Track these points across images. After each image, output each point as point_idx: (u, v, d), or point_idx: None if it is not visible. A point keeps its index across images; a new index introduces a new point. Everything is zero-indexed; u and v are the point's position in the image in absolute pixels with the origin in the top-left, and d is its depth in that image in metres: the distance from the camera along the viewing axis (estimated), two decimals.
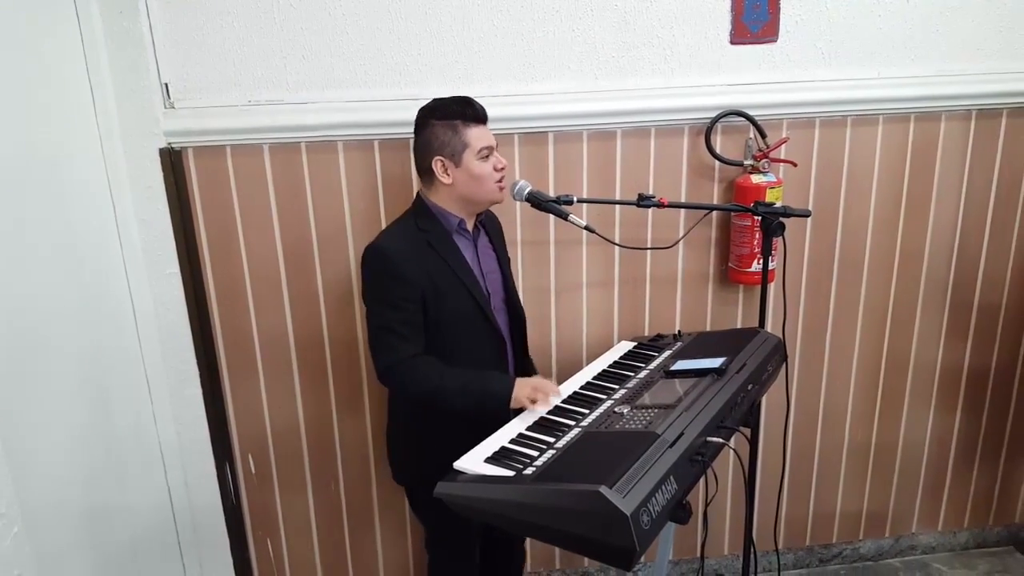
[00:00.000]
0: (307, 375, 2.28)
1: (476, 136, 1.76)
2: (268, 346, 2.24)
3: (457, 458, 1.54)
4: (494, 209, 1.99)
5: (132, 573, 2.08)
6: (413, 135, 1.83)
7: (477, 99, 1.82)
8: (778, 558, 2.59)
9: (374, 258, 1.75)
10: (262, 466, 2.34)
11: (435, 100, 1.81)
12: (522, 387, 1.73)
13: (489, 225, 1.97)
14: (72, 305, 1.85)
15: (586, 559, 2.59)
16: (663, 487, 1.34)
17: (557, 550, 2.56)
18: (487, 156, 1.77)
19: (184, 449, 2.23)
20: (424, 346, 1.77)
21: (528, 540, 2.30)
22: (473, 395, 1.73)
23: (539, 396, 1.71)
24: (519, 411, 1.73)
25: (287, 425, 2.31)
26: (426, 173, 1.81)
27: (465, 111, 1.76)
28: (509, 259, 2.11)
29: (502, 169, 1.80)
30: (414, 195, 2.13)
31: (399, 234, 1.81)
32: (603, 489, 1.25)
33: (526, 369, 2.01)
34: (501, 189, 1.82)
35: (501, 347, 1.90)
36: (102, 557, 1.92)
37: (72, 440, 1.83)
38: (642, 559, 2.63)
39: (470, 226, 1.87)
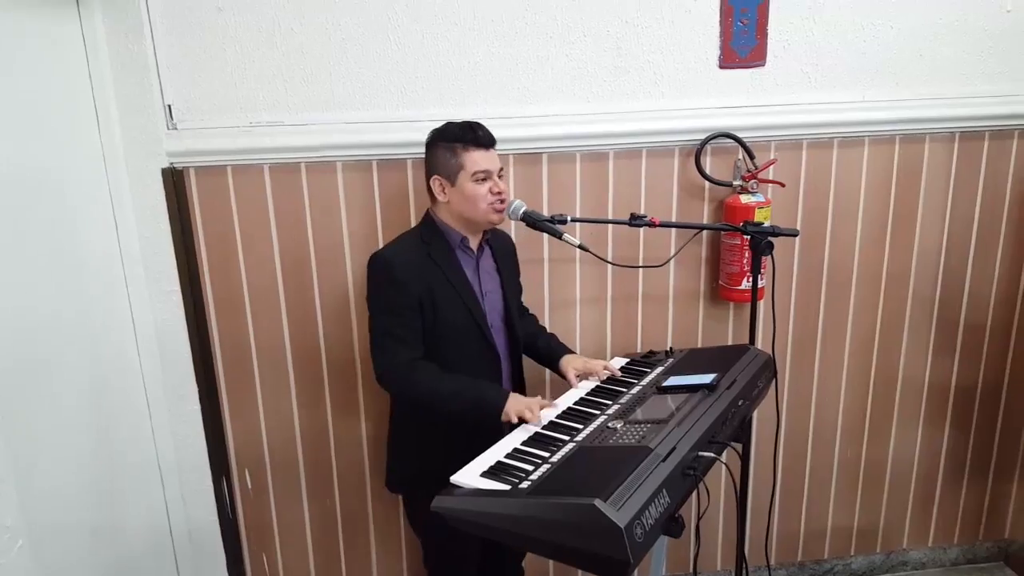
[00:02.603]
0: (304, 392, 2.31)
1: (473, 159, 1.82)
2: (266, 363, 2.26)
3: (455, 466, 1.57)
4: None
5: None
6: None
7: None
8: (770, 573, 2.61)
9: (377, 265, 1.83)
10: (258, 481, 2.36)
11: (446, 123, 1.88)
12: (516, 403, 1.76)
13: (497, 247, 2.02)
14: (74, 321, 1.87)
15: (579, 574, 2.61)
16: (656, 500, 1.37)
17: (551, 566, 2.58)
18: (483, 179, 1.83)
19: (182, 464, 2.25)
20: (424, 353, 1.83)
21: (525, 558, 2.31)
22: (467, 401, 1.78)
23: (527, 416, 1.73)
24: (511, 424, 1.76)
25: (284, 440, 2.33)
26: (429, 190, 1.90)
27: (466, 135, 1.83)
28: (520, 287, 2.15)
29: (498, 193, 1.85)
30: (412, 215, 2.19)
31: (403, 245, 1.89)
32: (597, 502, 1.28)
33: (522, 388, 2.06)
34: (497, 211, 1.86)
35: (496, 364, 1.95)
36: (101, 570, 1.93)
37: (73, 455, 1.85)
38: (635, 574, 2.64)
39: (473, 244, 1.92)
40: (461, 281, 1.87)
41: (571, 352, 2.10)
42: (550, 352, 2.10)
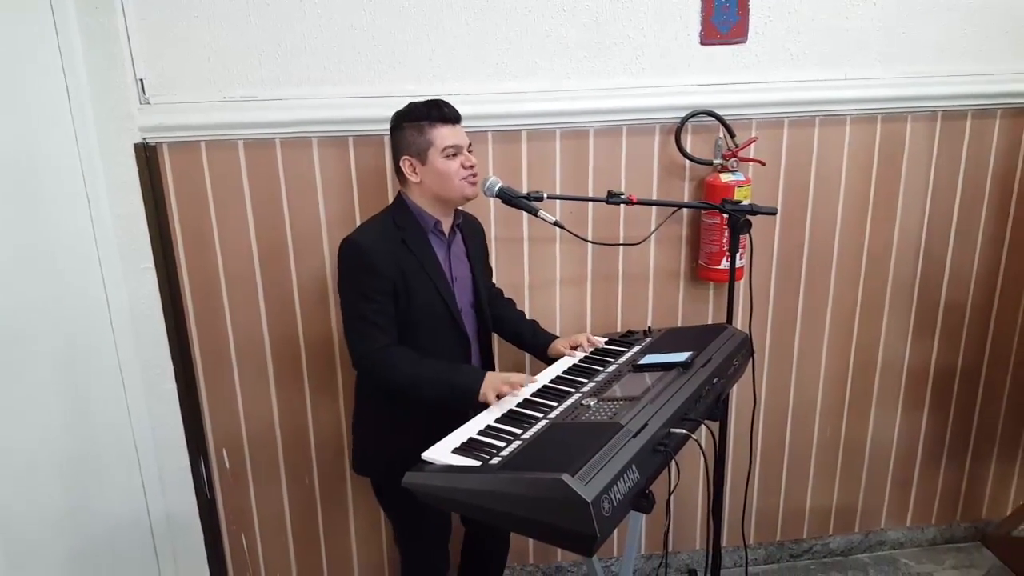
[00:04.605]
0: (282, 370, 2.29)
1: (442, 135, 1.80)
2: (243, 341, 2.25)
3: (420, 447, 1.56)
4: (472, 210, 2.02)
5: (106, 568, 2.09)
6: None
7: (450, 98, 1.85)
8: (746, 552, 2.62)
9: (349, 251, 1.80)
10: (236, 462, 2.35)
11: (409, 104, 1.86)
12: (490, 382, 1.74)
13: (467, 231, 2.00)
14: (47, 300, 1.85)
15: (559, 553, 2.62)
16: (625, 476, 1.36)
17: (531, 545, 2.58)
18: (453, 154, 1.81)
19: (158, 444, 2.24)
20: (396, 339, 1.81)
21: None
22: (445, 386, 1.76)
23: (505, 390, 1.72)
24: (478, 407, 1.75)
25: (262, 420, 2.32)
26: (399, 173, 1.87)
27: (431, 112, 1.81)
28: (491, 269, 2.15)
29: (471, 167, 1.83)
30: (388, 192, 2.17)
31: (375, 228, 1.85)
32: (565, 477, 1.27)
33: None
34: (471, 185, 1.85)
35: (467, 349, 1.94)
36: (75, 552, 1.92)
37: (46, 435, 1.83)
38: (614, 554, 2.65)
39: (446, 228, 1.90)
40: (434, 267, 1.85)
41: (556, 337, 2.11)
42: (536, 340, 2.11)
